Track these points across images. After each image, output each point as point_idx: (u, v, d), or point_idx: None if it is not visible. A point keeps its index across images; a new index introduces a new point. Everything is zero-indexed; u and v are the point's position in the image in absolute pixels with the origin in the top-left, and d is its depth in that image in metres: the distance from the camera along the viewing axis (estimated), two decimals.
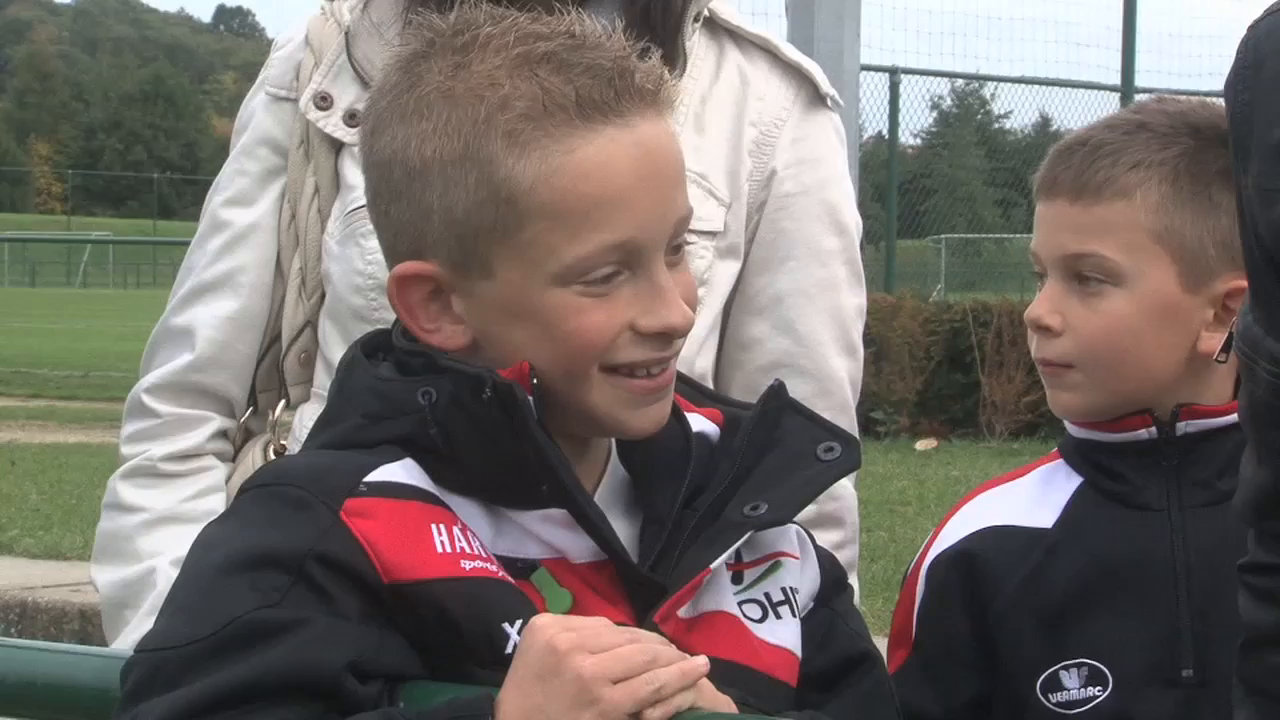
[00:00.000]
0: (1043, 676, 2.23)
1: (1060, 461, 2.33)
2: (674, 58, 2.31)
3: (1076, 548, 2.25)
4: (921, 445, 13.00)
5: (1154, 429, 2.24)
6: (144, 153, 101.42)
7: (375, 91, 1.81)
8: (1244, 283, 1.90)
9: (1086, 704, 2.22)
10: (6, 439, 14.16)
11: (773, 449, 1.82)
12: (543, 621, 1.62)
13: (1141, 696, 2.19)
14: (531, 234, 1.71)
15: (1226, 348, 2.15)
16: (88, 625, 7.68)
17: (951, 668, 2.27)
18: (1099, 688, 2.22)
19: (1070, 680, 2.23)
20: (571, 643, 1.59)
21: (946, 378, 13.70)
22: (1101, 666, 2.22)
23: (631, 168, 1.72)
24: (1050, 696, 2.23)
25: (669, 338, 1.75)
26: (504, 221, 1.71)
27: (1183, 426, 2.24)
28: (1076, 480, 2.30)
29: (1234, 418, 2.09)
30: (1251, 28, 2.01)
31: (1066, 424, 2.34)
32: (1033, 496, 2.32)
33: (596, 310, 1.72)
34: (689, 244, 1.83)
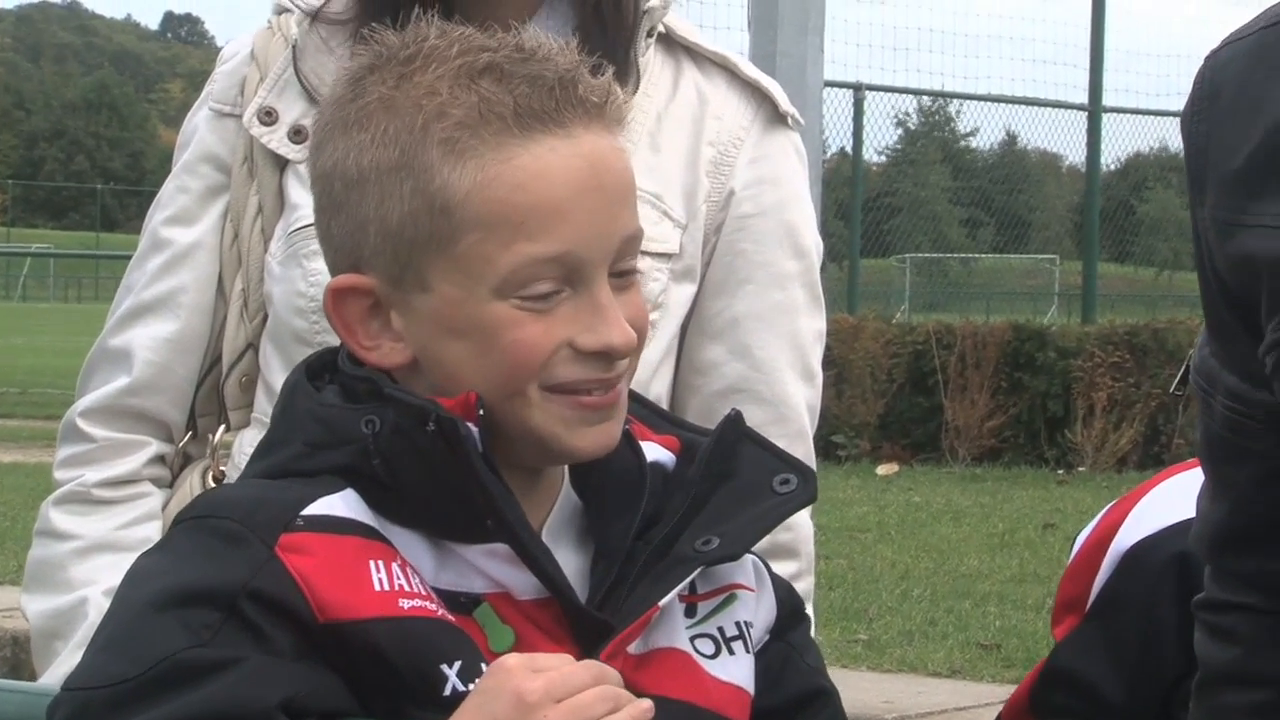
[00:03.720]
0: None
1: None
2: (626, 73, 2.30)
3: None
4: (883, 470, 13.01)
5: None
6: (87, 163, 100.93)
7: (322, 105, 1.82)
8: None
9: None
10: None
11: (728, 480, 1.81)
12: (511, 664, 1.61)
13: None
14: (466, 245, 1.70)
15: (1184, 381, 2.16)
16: (20, 652, 7.62)
17: (1151, 660, 2.32)
18: None
19: None
20: (539, 694, 1.58)
21: (909, 401, 13.71)
22: None
23: (570, 178, 1.71)
24: None
25: (609, 358, 1.73)
26: (439, 233, 1.71)
27: None
28: None
29: None
30: (1209, 58, 2.02)
31: None
32: None
33: (533, 325, 1.71)
34: (640, 270, 1.82)
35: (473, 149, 1.70)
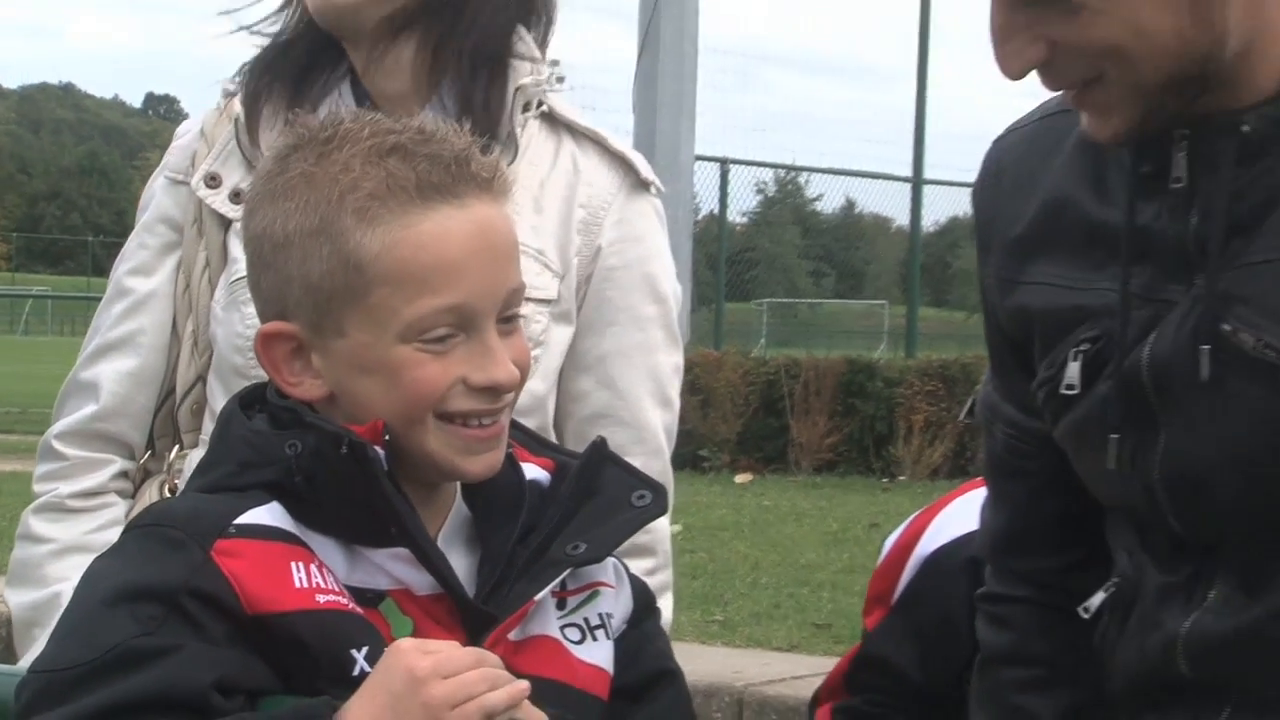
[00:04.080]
0: None
1: None
2: (500, 138, 2.28)
3: None
4: (740, 479, 13.01)
5: None
6: (80, 219, 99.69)
7: (254, 178, 1.81)
8: None
9: None
10: None
11: (594, 496, 1.81)
12: (405, 645, 1.60)
13: None
14: (377, 298, 1.69)
15: (970, 412, 2.17)
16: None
17: (947, 646, 2.32)
18: None
19: None
20: (428, 670, 1.58)
21: (762, 422, 13.72)
22: None
23: (464, 241, 1.70)
24: None
25: (496, 392, 1.73)
26: (353, 287, 1.70)
27: None
28: None
29: None
30: (995, 142, 2.03)
31: None
32: None
33: (433, 364, 1.70)
34: (523, 314, 1.82)
35: (381, 216, 1.69)
